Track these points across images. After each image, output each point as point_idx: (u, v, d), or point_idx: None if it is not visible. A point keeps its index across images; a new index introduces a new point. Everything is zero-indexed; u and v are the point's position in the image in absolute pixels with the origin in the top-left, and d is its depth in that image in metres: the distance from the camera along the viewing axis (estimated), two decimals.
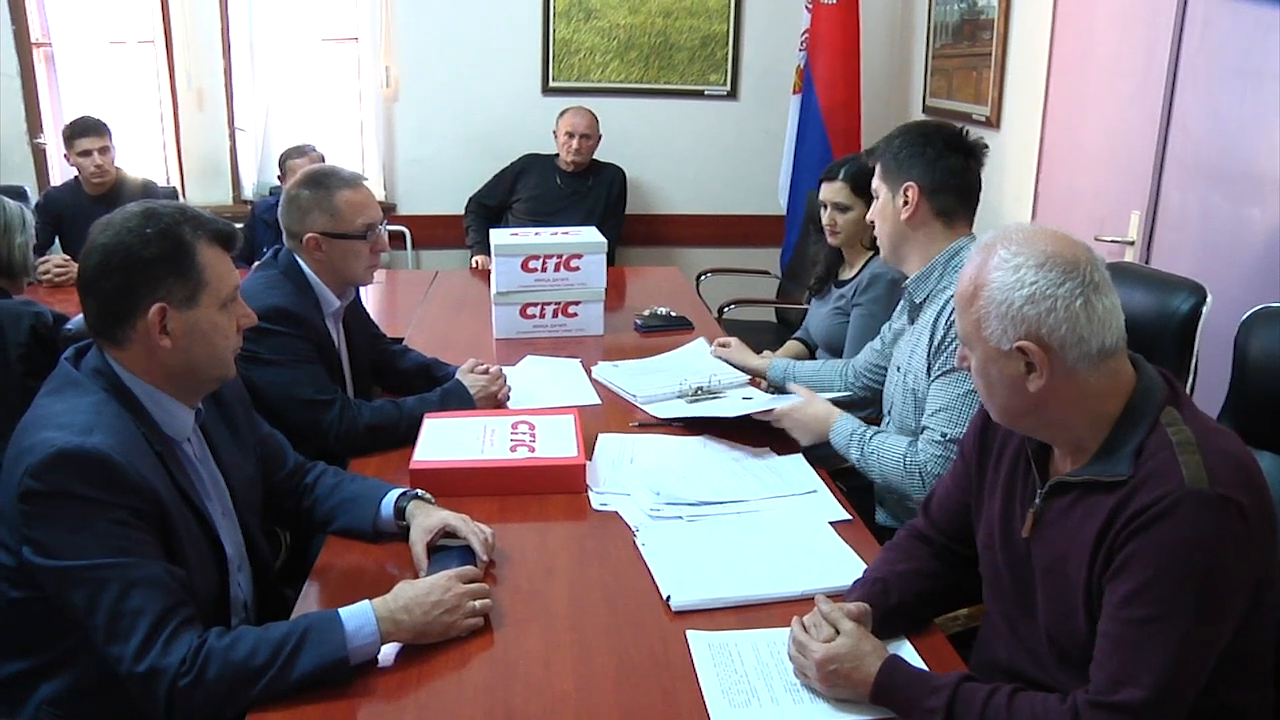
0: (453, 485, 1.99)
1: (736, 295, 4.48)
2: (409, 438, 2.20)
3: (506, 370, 2.61)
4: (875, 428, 2.17)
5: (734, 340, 2.91)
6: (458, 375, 2.51)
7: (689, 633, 1.56)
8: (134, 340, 1.53)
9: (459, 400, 2.42)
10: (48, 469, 1.39)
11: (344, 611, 1.47)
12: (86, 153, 4.03)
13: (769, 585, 1.69)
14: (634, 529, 1.90)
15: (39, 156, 4.69)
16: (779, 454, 2.25)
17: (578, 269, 3.14)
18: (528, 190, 4.68)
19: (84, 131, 4.05)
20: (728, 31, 4.99)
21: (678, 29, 4.97)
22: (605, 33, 4.94)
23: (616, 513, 1.97)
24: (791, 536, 1.89)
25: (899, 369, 2.22)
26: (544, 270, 3.12)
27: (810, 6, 4.64)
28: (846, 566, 1.75)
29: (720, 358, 2.84)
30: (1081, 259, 1.34)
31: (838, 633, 1.44)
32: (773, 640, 1.54)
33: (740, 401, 2.52)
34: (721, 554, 1.81)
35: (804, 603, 1.59)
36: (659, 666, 1.50)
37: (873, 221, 2.22)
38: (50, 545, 1.40)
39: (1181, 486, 1.24)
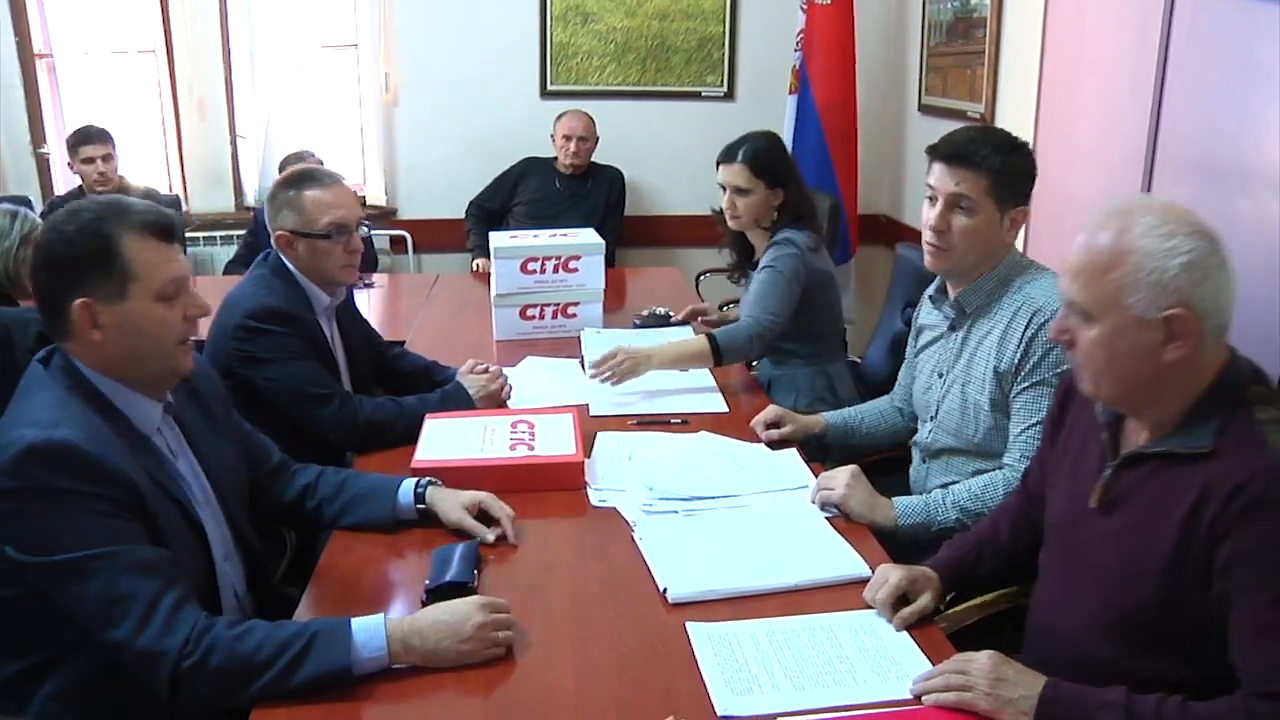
0: (454, 483, 2.01)
1: (735, 294, 4.47)
2: (409, 435, 2.23)
3: (507, 371, 2.63)
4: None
5: (782, 413, 2.36)
6: (457, 377, 2.54)
7: (689, 624, 1.58)
8: (73, 335, 1.55)
9: (459, 402, 2.44)
10: (20, 464, 1.40)
11: (356, 622, 1.46)
12: (90, 160, 4.07)
13: (765, 577, 1.72)
14: (632, 524, 1.93)
15: (43, 167, 4.72)
16: (773, 448, 2.27)
17: (576, 270, 3.16)
18: (528, 193, 4.71)
19: (88, 139, 4.09)
20: (723, 33, 5.01)
21: (674, 31, 5.00)
22: (602, 36, 4.96)
23: (615, 509, 1.99)
24: (787, 529, 1.91)
25: (941, 375, 2.15)
26: (543, 272, 3.15)
27: (805, 7, 4.66)
28: (840, 558, 1.78)
29: (772, 441, 2.31)
30: (1214, 232, 1.34)
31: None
32: (771, 629, 1.56)
33: (676, 330, 3.06)
34: (718, 547, 1.84)
35: (799, 594, 1.62)
36: (658, 658, 1.52)
37: (966, 234, 1.98)
38: (32, 541, 1.41)
39: (1277, 460, 1.26)
